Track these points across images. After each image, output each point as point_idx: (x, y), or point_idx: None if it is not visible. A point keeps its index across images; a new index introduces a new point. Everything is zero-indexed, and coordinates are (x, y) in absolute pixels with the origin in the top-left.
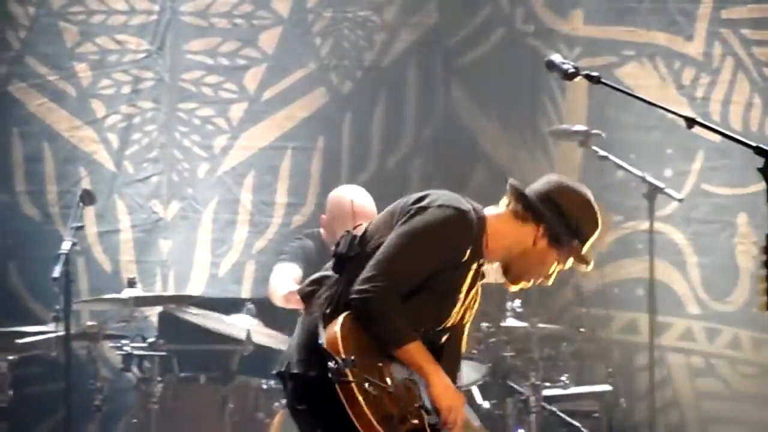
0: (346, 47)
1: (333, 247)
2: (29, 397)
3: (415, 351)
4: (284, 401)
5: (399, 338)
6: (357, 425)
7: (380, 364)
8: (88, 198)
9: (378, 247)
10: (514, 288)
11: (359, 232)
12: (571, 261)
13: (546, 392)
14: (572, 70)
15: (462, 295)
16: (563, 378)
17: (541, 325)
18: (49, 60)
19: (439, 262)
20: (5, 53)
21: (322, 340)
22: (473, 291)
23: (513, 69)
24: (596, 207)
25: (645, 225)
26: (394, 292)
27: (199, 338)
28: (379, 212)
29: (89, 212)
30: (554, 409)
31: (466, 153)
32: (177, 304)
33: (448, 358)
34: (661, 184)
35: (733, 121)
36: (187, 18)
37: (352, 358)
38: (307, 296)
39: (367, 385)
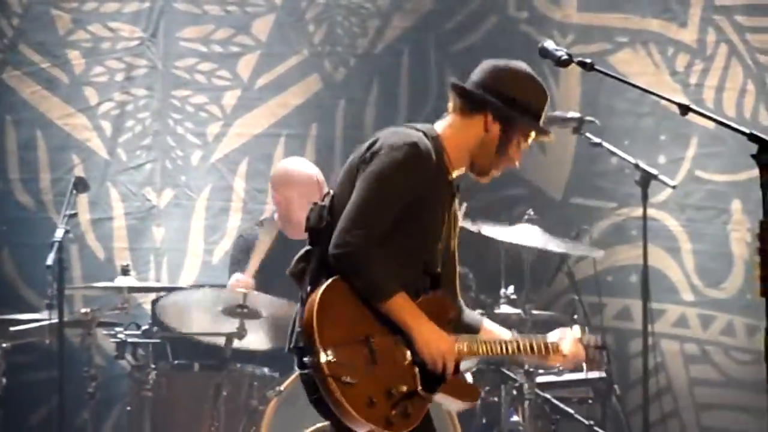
0: (340, 34)
1: (305, 223)
2: (22, 385)
3: (398, 306)
4: (278, 388)
5: (381, 292)
6: (340, 417)
7: (364, 334)
8: (81, 185)
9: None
10: (485, 180)
11: (326, 202)
12: (532, 136)
13: (540, 379)
14: (565, 56)
15: (443, 215)
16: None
17: (535, 312)
18: (42, 48)
19: (408, 197)
20: None
21: (300, 327)
22: (452, 208)
23: (506, 56)
24: (534, 75)
25: (639, 212)
26: (371, 241)
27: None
28: None
29: (82, 200)
30: (548, 395)
31: None
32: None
33: (445, 285)
34: (654, 171)
35: (726, 108)
36: (180, 5)
37: (328, 350)
38: (298, 275)
39: (343, 377)
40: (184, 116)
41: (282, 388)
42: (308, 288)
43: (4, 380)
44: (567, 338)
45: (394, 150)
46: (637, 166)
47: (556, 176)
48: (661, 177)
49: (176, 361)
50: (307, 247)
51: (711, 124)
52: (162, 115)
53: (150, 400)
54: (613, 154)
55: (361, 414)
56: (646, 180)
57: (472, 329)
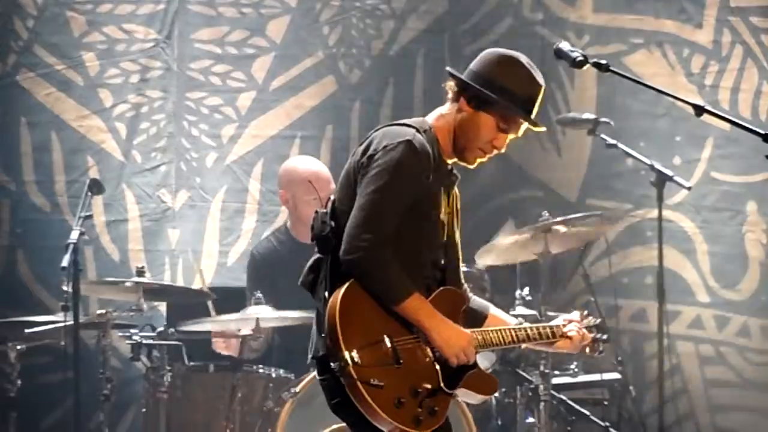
0: (355, 36)
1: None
2: (38, 387)
3: (412, 307)
4: (294, 390)
5: (395, 294)
6: (369, 419)
7: (385, 335)
8: (96, 187)
9: (350, 211)
10: (471, 166)
11: (328, 207)
12: (523, 127)
13: (555, 380)
14: (581, 58)
15: (445, 205)
16: (572, 366)
17: (550, 313)
18: (57, 49)
19: (411, 195)
20: (13, 43)
21: (323, 333)
22: (451, 197)
23: None
24: (524, 63)
25: (654, 213)
26: (380, 244)
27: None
28: None
29: (97, 201)
30: (563, 397)
31: None
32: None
33: (450, 274)
34: (670, 172)
35: (742, 109)
36: (194, 7)
37: (353, 353)
38: (309, 285)
39: (371, 380)
40: (198, 118)
41: (297, 389)
42: (324, 295)
43: (19, 382)
44: (570, 323)
45: (389, 151)
46: (652, 167)
47: (571, 177)
48: (677, 178)
49: (191, 363)
50: (316, 256)
51: (726, 126)
52: (177, 117)
53: (165, 402)
54: (629, 155)
55: (391, 415)
56: (661, 181)
57: (479, 315)
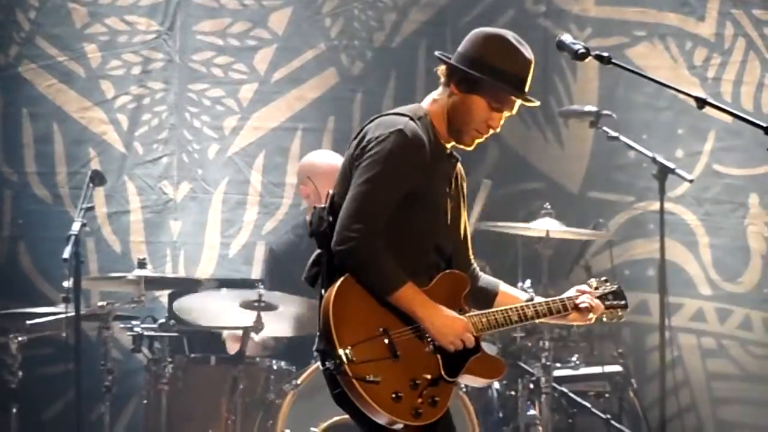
0: (357, 28)
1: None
2: (39, 379)
3: (405, 297)
4: (295, 382)
5: (387, 284)
6: (368, 414)
7: (382, 328)
8: (98, 179)
9: None
10: (469, 148)
11: (327, 202)
12: (517, 104)
13: (557, 373)
14: (583, 50)
15: (446, 189)
16: (574, 359)
17: None
18: (59, 41)
19: (405, 184)
20: (15, 34)
21: (318, 331)
22: (455, 179)
23: None
24: (510, 39)
25: (656, 205)
26: (372, 234)
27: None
28: None
29: (99, 193)
30: (565, 389)
31: None
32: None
33: (458, 256)
34: (672, 165)
35: (744, 102)
36: None
37: (348, 350)
38: (312, 279)
39: (367, 376)
40: (200, 110)
41: (299, 381)
42: (322, 291)
43: (20, 374)
44: (582, 293)
45: (381, 141)
46: (654, 159)
47: (574, 170)
48: (679, 171)
49: (193, 355)
50: (318, 251)
51: (729, 118)
52: (179, 109)
53: (166, 394)
54: (631, 147)
55: (388, 410)
56: (663, 174)
57: (489, 293)
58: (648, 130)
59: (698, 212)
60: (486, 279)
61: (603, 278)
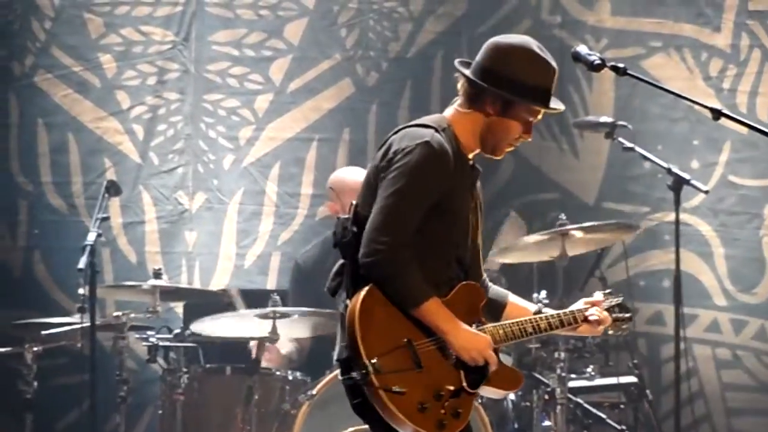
0: (372, 38)
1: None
2: (54, 389)
3: (430, 311)
4: (310, 392)
5: (412, 298)
6: (393, 425)
7: (406, 339)
8: (113, 189)
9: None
10: (499, 157)
11: (350, 213)
12: (541, 113)
13: (572, 384)
14: (598, 61)
15: (468, 200)
16: (589, 369)
17: None
18: (74, 51)
19: (432, 196)
20: (31, 44)
21: (343, 341)
22: (475, 191)
23: None
24: (535, 50)
25: (671, 216)
26: (398, 247)
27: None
28: None
29: (114, 203)
30: (580, 400)
31: None
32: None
33: (472, 267)
34: (687, 176)
35: (760, 113)
36: (212, 9)
37: (374, 361)
38: (333, 290)
39: (393, 387)
40: (216, 120)
41: (314, 392)
42: (346, 301)
43: (35, 384)
44: (591, 306)
45: (408, 153)
46: (669, 170)
47: (589, 181)
48: (694, 182)
49: (208, 365)
50: (341, 261)
51: (744, 129)
52: (194, 119)
53: (182, 404)
54: (646, 158)
55: (415, 421)
56: (678, 185)
57: (499, 305)
58: (663, 141)
59: (713, 223)
60: (495, 290)
61: (608, 291)
